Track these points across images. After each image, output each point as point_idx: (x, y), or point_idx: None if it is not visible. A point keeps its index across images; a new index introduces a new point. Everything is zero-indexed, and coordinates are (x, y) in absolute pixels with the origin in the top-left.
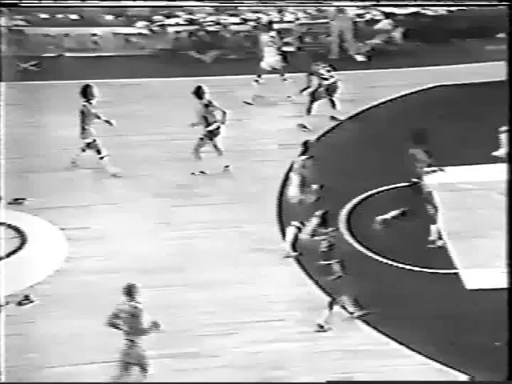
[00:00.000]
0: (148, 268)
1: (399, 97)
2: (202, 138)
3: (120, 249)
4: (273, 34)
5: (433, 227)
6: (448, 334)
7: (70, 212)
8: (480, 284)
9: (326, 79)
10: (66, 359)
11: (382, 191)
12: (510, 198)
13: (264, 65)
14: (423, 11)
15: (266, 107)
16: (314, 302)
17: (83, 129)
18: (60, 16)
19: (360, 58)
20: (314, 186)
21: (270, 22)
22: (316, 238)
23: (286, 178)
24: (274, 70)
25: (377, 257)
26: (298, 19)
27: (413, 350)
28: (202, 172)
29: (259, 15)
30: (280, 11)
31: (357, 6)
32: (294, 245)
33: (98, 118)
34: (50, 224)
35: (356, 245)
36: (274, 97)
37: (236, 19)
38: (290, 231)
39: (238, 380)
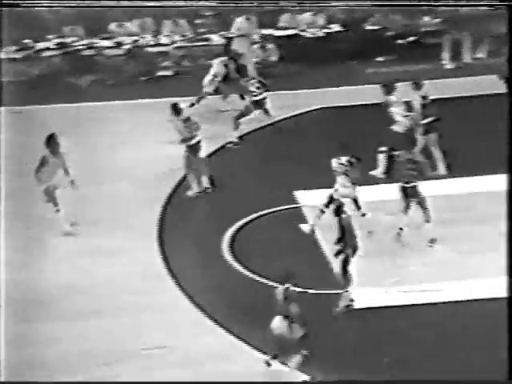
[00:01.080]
0: (36, 299)
1: (280, 120)
2: (187, 154)
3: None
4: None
5: (429, 226)
6: (332, 353)
7: None
8: (367, 303)
9: (255, 95)
10: None
11: (263, 215)
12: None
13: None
14: (301, 33)
15: (146, 133)
16: (199, 327)
17: (38, 177)
18: None
19: None
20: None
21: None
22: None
23: (168, 203)
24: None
25: (265, 280)
26: (174, 42)
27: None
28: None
29: (135, 38)
30: (156, 35)
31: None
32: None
33: (66, 172)
34: None
35: (241, 269)
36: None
37: (109, 43)
38: None
39: None
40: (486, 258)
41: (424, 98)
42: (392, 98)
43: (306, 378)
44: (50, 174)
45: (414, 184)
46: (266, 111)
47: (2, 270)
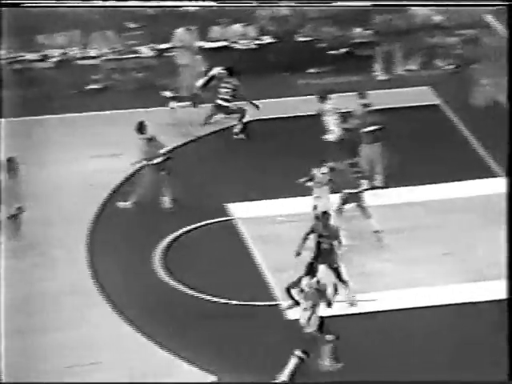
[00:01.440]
0: None
1: (213, 132)
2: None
3: None
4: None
5: (372, 221)
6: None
7: None
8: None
9: (221, 98)
10: None
11: (195, 228)
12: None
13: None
14: (232, 45)
15: (78, 147)
16: (131, 342)
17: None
18: None
19: (167, 93)
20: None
21: None
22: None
23: (98, 217)
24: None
25: (196, 293)
26: (103, 55)
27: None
28: None
29: (63, 51)
30: (84, 47)
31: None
32: None
33: (21, 196)
34: None
35: (174, 282)
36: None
37: (37, 56)
38: None
39: None
40: (428, 267)
41: (366, 105)
42: (326, 107)
43: (213, 378)
44: (12, 199)
45: (359, 189)
46: (208, 119)
47: None
